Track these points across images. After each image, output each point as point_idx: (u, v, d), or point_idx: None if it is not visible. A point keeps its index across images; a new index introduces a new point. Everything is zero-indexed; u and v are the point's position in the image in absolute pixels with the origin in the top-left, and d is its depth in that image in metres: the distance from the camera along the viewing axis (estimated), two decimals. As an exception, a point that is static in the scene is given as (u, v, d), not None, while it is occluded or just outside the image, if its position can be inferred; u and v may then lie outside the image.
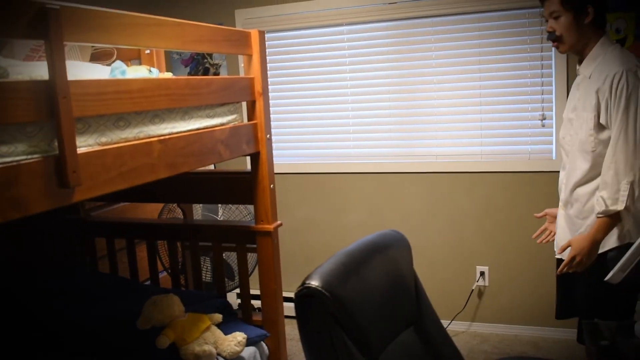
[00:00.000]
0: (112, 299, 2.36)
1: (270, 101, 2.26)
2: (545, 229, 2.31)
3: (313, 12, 3.37)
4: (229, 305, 2.33)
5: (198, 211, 3.02)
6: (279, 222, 2.26)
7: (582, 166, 1.97)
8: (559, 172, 2.18)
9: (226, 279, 2.79)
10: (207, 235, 2.48)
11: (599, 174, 1.92)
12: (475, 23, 3.12)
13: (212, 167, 3.11)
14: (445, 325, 1.64)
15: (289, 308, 1.99)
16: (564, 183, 2.09)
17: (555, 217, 2.21)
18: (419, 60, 3.27)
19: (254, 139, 2.16)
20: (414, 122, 3.35)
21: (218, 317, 2.11)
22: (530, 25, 3.04)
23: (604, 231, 1.89)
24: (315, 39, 3.44)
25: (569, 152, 2.06)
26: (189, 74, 3.71)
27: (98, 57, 2.31)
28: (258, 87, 2.14)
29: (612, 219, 1.87)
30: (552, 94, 3.05)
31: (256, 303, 2.53)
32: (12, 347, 2.04)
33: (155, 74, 1.84)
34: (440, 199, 3.33)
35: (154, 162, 1.60)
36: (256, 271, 2.36)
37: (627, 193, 1.82)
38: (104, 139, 1.45)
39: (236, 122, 2.07)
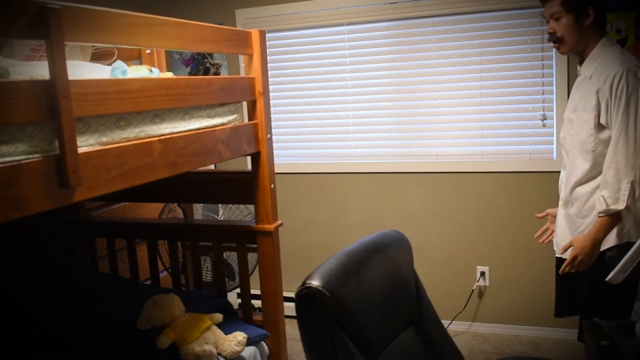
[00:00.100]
0: (112, 299, 2.36)
1: (271, 101, 2.26)
2: (547, 229, 2.31)
3: (313, 12, 3.37)
4: (229, 305, 2.33)
5: (198, 211, 3.02)
6: (279, 222, 2.26)
7: (582, 166, 1.98)
8: (559, 172, 2.19)
9: (227, 279, 2.79)
10: (208, 235, 2.48)
11: (599, 174, 1.93)
12: (476, 23, 3.12)
13: (212, 167, 3.11)
14: (445, 326, 1.64)
15: (289, 308, 1.99)
16: (564, 182, 2.10)
17: (556, 216, 2.22)
18: (420, 60, 3.27)
19: (255, 139, 2.16)
20: (415, 122, 3.35)
21: (218, 316, 2.11)
22: (531, 25, 3.03)
23: (605, 230, 1.90)
24: (315, 39, 3.44)
25: (569, 152, 2.07)
26: (190, 73, 3.71)
27: (99, 56, 2.31)
28: (259, 87, 2.14)
29: (613, 219, 1.88)
30: (553, 94, 3.05)
31: (256, 303, 2.53)
32: (12, 347, 2.04)
33: (156, 73, 1.84)
34: (441, 199, 3.33)
35: (154, 162, 1.60)
36: (256, 271, 2.36)
37: (627, 192, 1.83)
38: (104, 139, 1.45)
39: (237, 122, 2.07)
